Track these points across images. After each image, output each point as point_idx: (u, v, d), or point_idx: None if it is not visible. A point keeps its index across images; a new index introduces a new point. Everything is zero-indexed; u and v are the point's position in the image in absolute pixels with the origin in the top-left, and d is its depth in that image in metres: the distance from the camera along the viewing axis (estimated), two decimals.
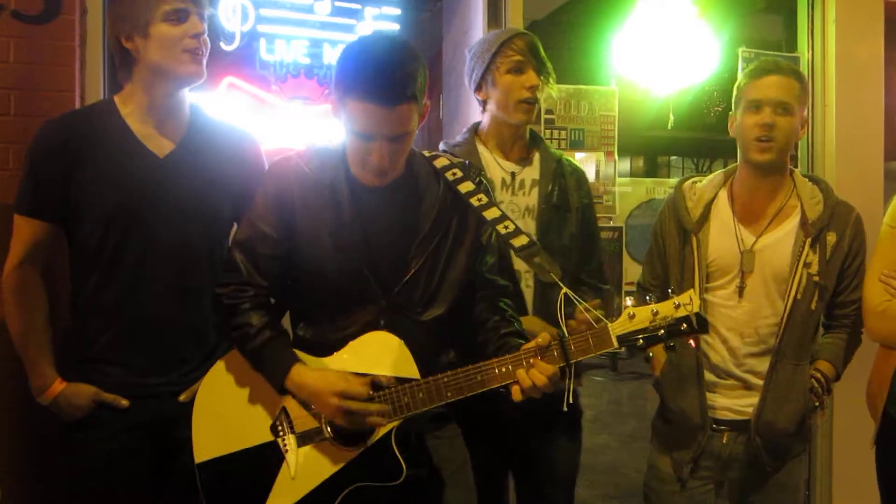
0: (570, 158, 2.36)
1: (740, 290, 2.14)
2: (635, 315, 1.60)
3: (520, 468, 2.29)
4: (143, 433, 1.87)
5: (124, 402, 1.87)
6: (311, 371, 1.69)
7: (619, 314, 1.62)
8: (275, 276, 1.77)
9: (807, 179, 2.22)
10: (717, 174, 2.29)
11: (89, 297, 1.90)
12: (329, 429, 1.71)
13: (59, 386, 1.89)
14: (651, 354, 1.63)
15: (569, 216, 2.22)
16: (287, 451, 1.72)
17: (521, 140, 2.26)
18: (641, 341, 1.61)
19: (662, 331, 1.60)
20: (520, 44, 2.18)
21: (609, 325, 1.61)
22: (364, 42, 1.71)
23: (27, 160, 1.91)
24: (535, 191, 2.22)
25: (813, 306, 2.13)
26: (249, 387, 1.77)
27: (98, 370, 1.89)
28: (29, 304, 1.92)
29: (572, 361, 1.62)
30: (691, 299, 1.60)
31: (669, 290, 1.65)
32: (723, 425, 2.17)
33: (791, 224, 2.15)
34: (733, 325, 2.15)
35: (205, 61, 1.89)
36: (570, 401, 1.63)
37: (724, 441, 2.17)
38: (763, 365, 2.14)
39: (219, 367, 1.81)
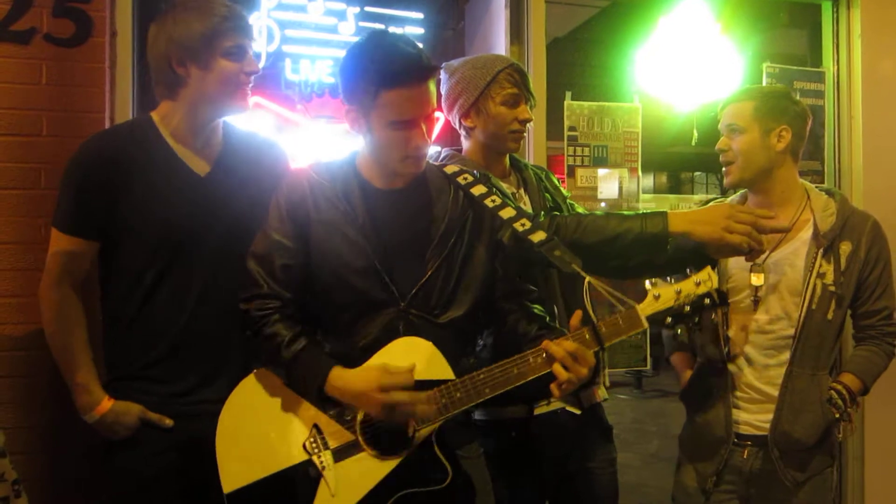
0: (535, 165, 2.40)
1: (755, 303, 2.17)
2: (660, 295, 1.67)
3: (558, 492, 2.24)
4: (186, 453, 1.85)
5: (168, 422, 1.86)
6: (350, 372, 1.68)
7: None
8: (294, 286, 1.76)
9: (822, 193, 2.25)
10: (736, 195, 2.33)
11: (132, 315, 1.89)
12: (365, 440, 1.69)
13: (107, 403, 1.88)
14: (679, 331, 1.72)
15: (562, 212, 2.22)
16: (324, 468, 1.69)
17: (504, 162, 2.25)
18: (669, 320, 1.68)
19: (687, 307, 1.67)
20: (515, 76, 2.15)
21: (637, 306, 1.66)
22: (373, 40, 1.74)
23: (71, 176, 1.90)
24: (527, 199, 2.22)
25: (830, 315, 2.15)
26: (275, 406, 1.74)
27: (139, 388, 1.89)
28: (69, 322, 1.91)
29: (606, 345, 1.64)
30: (710, 276, 1.68)
31: (688, 270, 1.71)
32: (745, 440, 2.19)
33: (804, 237, 2.18)
34: (753, 337, 2.18)
35: None
36: (608, 384, 1.66)
37: (745, 456, 2.19)
38: (781, 376, 2.15)
39: (240, 391, 1.78)
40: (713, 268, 1.72)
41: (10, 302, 2.29)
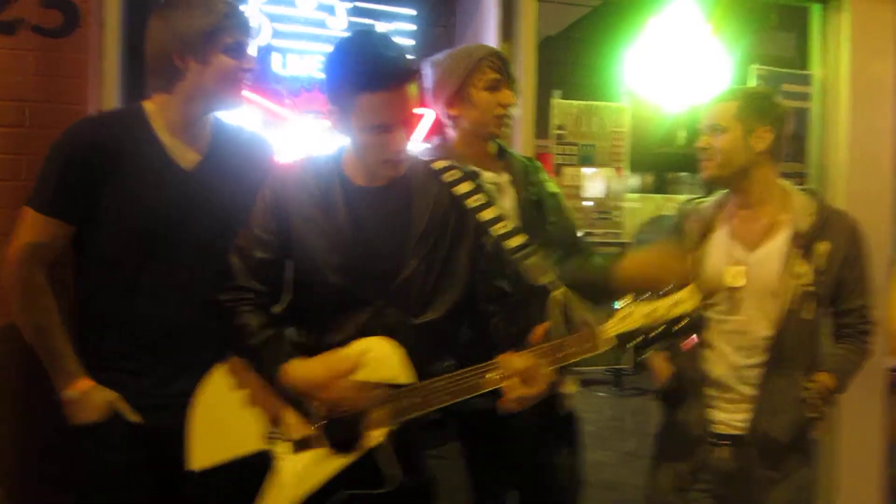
0: (526, 156, 2.41)
1: (732, 304, 2.18)
2: (629, 315, 1.56)
3: (524, 482, 2.27)
4: (161, 443, 1.84)
5: (136, 418, 1.86)
6: (303, 364, 1.69)
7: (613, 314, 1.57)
8: (271, 280, 1.78)
9: (801, 193, 2.26)
10: (719, 195, 2.34)
11: (107, 305, 1.89)
12: (324, 435, 1.70)
13: (87, 382, 1.86)
14: (646, 356, 1.59)
15: (544, 208, 2.24)
16: (281, 458, 1.71)
17: (490, 150, 2.27)
18: (639, 340, 1.56)
19: (662, 327, 1.55)
20: (497, 62, 2.19)
21: (601, 326, 1.58)
22: (353, 42, 1.74)
23: (56, 157, 1.87)
24: (511, 191, 2.22)
25: (807, 316, 2.16)
26: (245, 394, 1.77)
27: (113, 380, 1.88)
28: (41, 304, 1.88)
29: (563, 364, 1.59)
30: (691, 295, 1.55)
31: (668, 288, 1.60)
32: (722, 440, 2.20)
33: (782, 237, 2.19)
34: (730, 338, 2.19)
35: None
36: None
37: (722, 455, 2.19)
38: (759, 376, 2.16)
39: (214, 377, 1.80)
40: (697, 287, 1.59)
41: None
